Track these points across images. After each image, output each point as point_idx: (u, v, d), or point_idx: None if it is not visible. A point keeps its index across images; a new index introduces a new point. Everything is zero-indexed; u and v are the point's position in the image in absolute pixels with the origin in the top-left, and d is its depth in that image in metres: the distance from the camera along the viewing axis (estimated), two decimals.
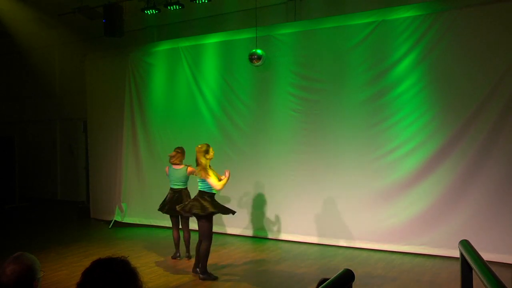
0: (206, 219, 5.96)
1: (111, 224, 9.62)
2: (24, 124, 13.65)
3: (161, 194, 8.69)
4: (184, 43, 9.24)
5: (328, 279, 2.36)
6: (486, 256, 3.16)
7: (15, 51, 12.91)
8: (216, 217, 8.39)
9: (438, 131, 6.89)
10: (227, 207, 6.31)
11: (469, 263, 2.81)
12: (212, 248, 6.16)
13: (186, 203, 6.20)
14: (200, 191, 6.06)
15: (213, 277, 5.92)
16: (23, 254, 2.50)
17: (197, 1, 8.36)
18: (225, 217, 8.61)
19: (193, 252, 6.62)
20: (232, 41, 8.74)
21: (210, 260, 6.18)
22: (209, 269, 6.04)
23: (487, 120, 6.52)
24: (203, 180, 5.98)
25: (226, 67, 8.78)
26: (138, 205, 9.68)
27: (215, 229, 8.42)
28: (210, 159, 6.09)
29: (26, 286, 2.43)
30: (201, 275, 5.93)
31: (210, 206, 5.95)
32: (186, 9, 8.84)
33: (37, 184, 13.48)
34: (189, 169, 6.76)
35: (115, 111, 10.00)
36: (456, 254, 3.48)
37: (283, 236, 8.05)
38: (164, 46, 9.60)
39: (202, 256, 5.94)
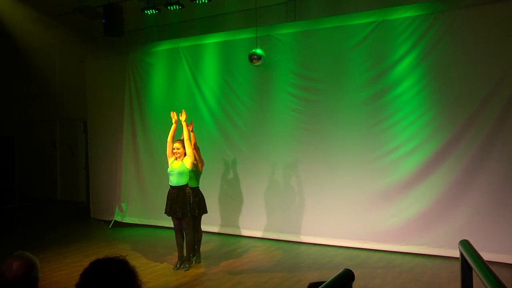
0: None
1: (111, 224, 9.61)
2: (24, 124, 13.65)
3: (161, 194, 8.67)
4: (184, 43, 9.24)
5: (318, 283, 2.34)
6: (486, 256, 3.16)
7: (15, 51, 12.91)
8: (215, 218, 8.44)
9: (438, 131, 6.88)
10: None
11: (469, 263, 2.81)
12: (212, 248, 6.22)
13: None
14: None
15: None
16: (24, 252, 2.51)
17: (197, 1, 8.36)
18: (225, 217, 8.62)
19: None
20: (232, 41, 8.74)
21: (209, 260, 6.24)
22: (208, 268, 6.06)
23: (487, 120, 6.51)
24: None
25: (226, 67, 8.77)
26: (138, 205, 9.68)
27: (214, 229, 8.49)
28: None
29: (31, 282, 2.44)
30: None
31: None
32: (186, 9, 8.84)
33: (37, 184, 13.48)
34: None
35: (115, 111, 10.00)
36: (456, 254, 3.48)
37: (283, 236, 8.04)
38: (164, 46, 9.60)
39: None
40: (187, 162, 6.29)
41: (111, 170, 10.03)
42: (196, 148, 6.74)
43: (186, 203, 6.24)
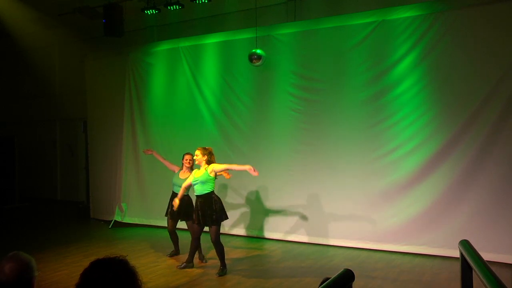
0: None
1: (111, 224, 9.62)
2: (24, 124, 13.65)
3: (161, 195, 8.70)
4: (184, 43, 9.24)
5: (330, 278, 2.36)
6: (486, 256, 3.16)
7: (15, 51, 12.91)
8: None
9: (438, 131, 6.88)
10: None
11: (469, 263, 2.81)
12: (212, 249, 6.26)
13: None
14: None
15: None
16: (18, 252, 2.50)
17: (197, 1, 8.37)
18: None
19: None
20: (232, 41, 8.74)
21: (209, 260, 6.35)
22: (208, 268, 6.08)
23: (487, 120, 6.51)
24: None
25: (226, 67, 8.77)
26: (138, 205, 9.68)
27: None
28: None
29: (26, 283, 2.43)
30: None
31: None
32: (186, 9, 8.85)
33: (37, 184, 13.48)
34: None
35: (115, 111, 10.00)
36: (456, 254, 3.48)
37: (283, 236, 8.05)
38: (164, 46, 9.60)
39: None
40: (212, 171, 6.12)
41: (111, 170, 10.03)
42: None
43: (213, 210, 6.10)
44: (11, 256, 2.46)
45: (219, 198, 6.27)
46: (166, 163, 7.39)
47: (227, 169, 6.28)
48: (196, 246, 6.42)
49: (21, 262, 2.44)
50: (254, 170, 5.85)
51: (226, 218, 6.33)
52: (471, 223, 6.53)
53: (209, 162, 6.21)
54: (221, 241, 6.19)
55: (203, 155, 6.22)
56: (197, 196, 6.22)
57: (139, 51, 9.92)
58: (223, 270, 6.16)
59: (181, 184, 6.51)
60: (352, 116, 7.53)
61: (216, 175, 6.23)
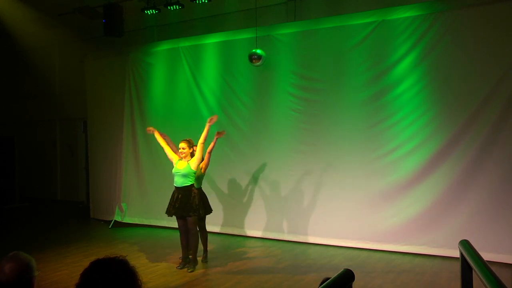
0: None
1: (111, 224, 9.61)
2: (24, 124, 13.65)
3: (161, 194, 8.70)
4: (184, 43, 9.24)
5: (330, 278, 2.36)
6: (486, 256, 3.15)
7: (15, 51, 12.91)
8: (215, 218, 8.42)
9: (438, 131, 6.88)
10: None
11: (469, 263, 2.80)
12: (212, 248, 6.23)
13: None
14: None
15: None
16: (19, 252, 2.50)
17: (197, 1, 8.38)
18: (225, 217, 8.62)
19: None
20: (232, 41, 8.74)
21: (209, 260, 6.42)
22: (208, 268, 6.11)
23: (487, 120, 6.51)
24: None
25: (226, 67, 8.77)
26: (138, 205, 9.68)
27: (214, 229, 8.48)
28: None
29: (26, 283, 2.43)
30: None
31: None
32: (186, 9, 8.85)
33: (37, 184, 13.48)
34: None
35: (115, 111, 10.00)
36: (456, 254, 3.48)
37: (283, 236, 8.04)
38: (164, 46, 9.60)
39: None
40: (194, 164, 6.22)
41: (111, 170, 10.03)
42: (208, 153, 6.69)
43: (191, 203, 6.18)
44: (11, 256, 2.46)
45: (199, 193, 6.31)
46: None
47: (202, 144, 6.24)
48: (185, 241, 6.40)
49: (21, 262, 2.44)
50: (211, 119, 6.22)
51: (204, 214, 6.38)
52: (471, 223, 6.53)
53: (192, 154, 6.31)
54: (198, 233, 6.30)
55: (189, 148, 6.29)
56: (176, 187, 6.25)
57: (139, 51, 9.92)
58: (194, 266, 6.24)
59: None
60: (352, 116, 7.53)
61: (198, 167, 6.28)
